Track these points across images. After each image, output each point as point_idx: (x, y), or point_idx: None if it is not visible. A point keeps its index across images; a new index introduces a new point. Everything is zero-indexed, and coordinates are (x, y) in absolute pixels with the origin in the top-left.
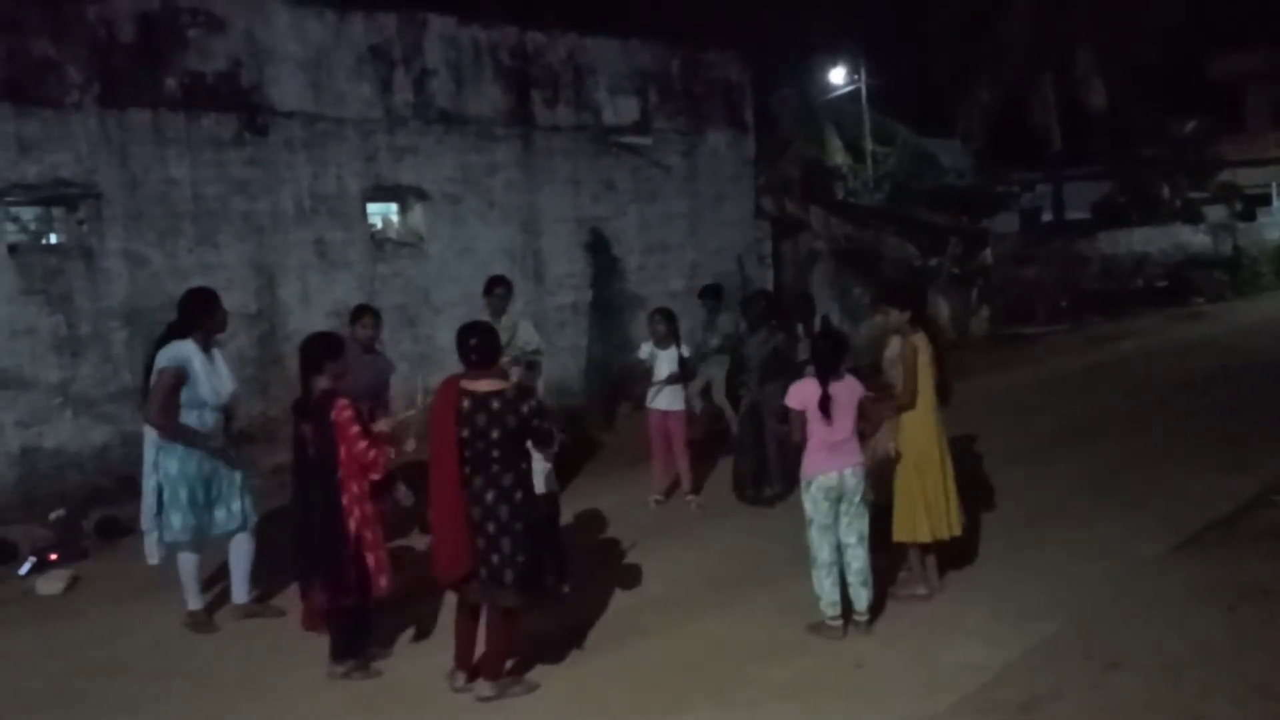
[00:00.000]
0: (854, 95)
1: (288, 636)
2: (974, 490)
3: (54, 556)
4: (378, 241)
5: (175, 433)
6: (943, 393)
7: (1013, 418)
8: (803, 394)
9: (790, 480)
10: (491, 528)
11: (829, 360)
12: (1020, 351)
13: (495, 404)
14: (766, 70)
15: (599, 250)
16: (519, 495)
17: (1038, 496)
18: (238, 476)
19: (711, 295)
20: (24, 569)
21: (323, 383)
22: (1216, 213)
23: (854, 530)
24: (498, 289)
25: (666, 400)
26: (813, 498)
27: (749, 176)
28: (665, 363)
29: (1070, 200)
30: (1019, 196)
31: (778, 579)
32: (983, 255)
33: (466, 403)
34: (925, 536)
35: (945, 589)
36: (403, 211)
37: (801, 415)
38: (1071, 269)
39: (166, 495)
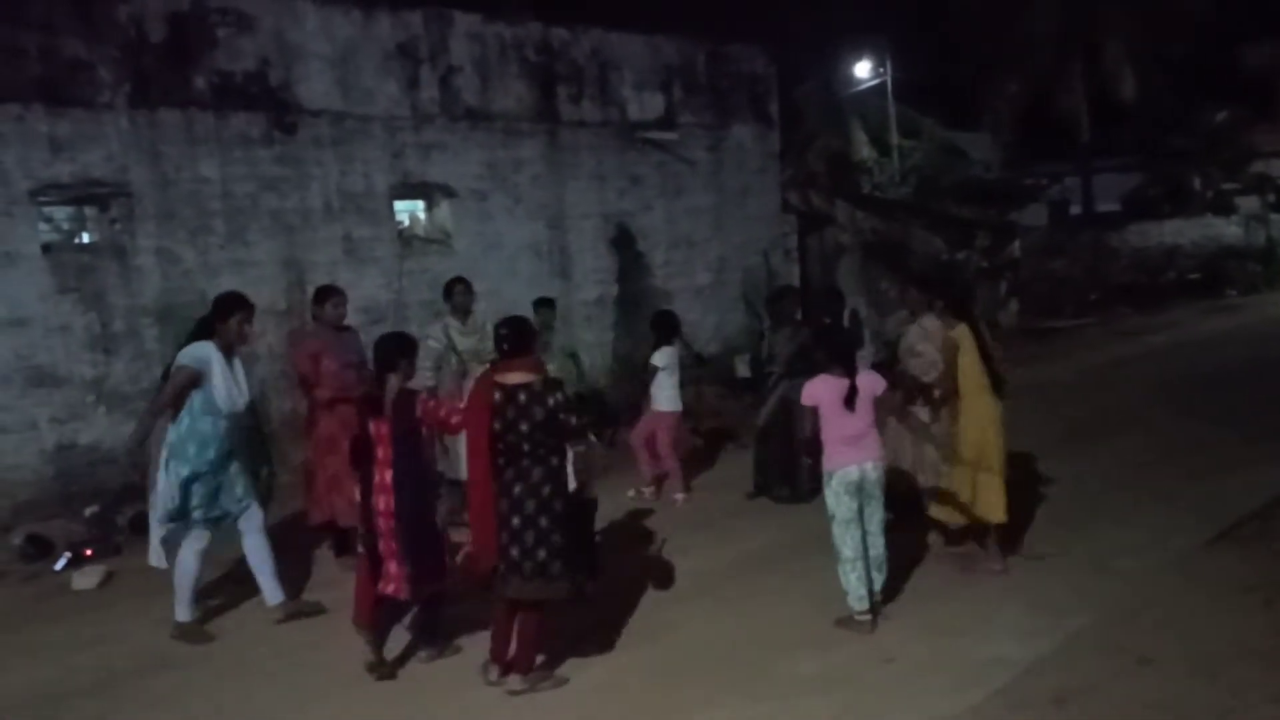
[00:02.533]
0: (879, 88)
1: (320, 630)
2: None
3: (89, 552)
4: (405, 238)
5: (145, 428)
6: (994, 383)
7: (1042, 412)
8: (818, 390)
9: (819, 479)
10: (516, 521)
11: (849, 353)
12: (1049, 345)
13: (523, 396)
14: (791, 64)
15: (625, 245)
16: (546, 490)
17: (1069, 491)
18: (240, 481)
19: (775, 300)
20: (59, 564)
21: (396, 381)
22: (1249, 204)
23: (875, 520)
24: (456, 288)
25: (656, 400)
26: (834, 492)
27: (774, 171)
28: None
29: (1100, 192)
30: (1047, 189)
31: (808, 573)
32: (1011, 248)
33: (498, 395)
34: (959, 519)
35: (976, 584)
36: (429, 208)
37: (815, 411)
38: (1101, 262)
39: (177, 495)
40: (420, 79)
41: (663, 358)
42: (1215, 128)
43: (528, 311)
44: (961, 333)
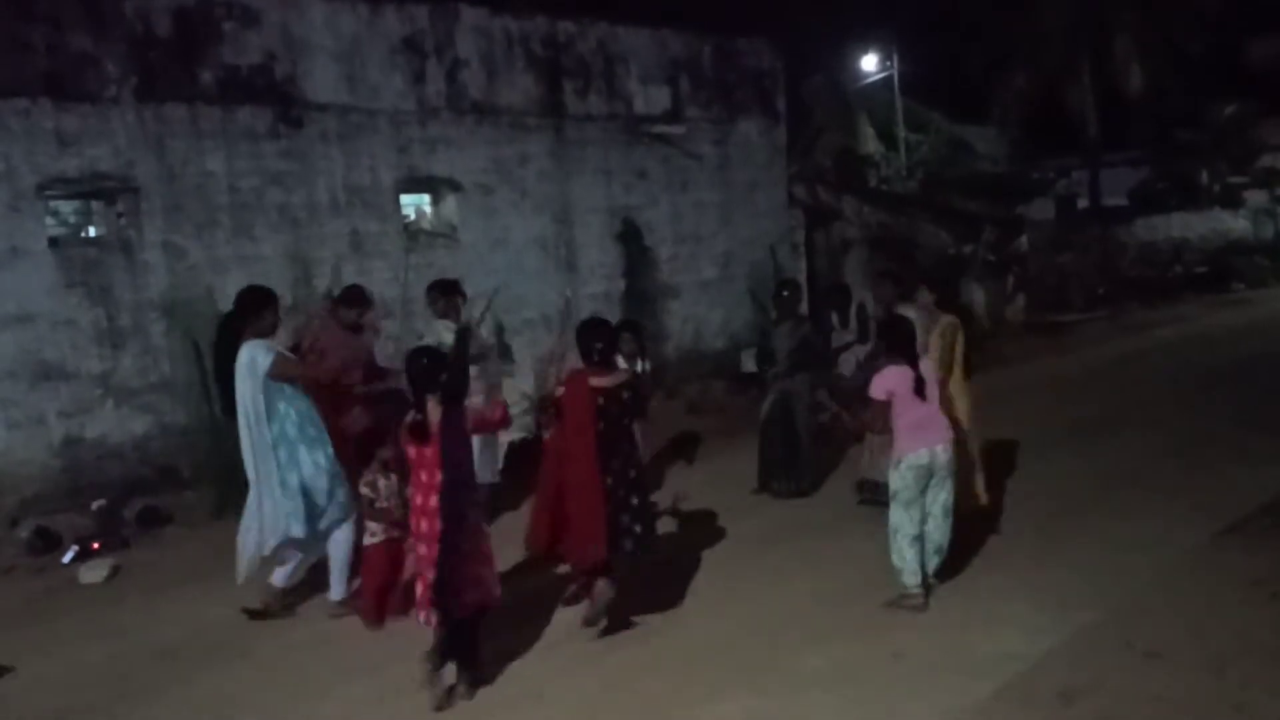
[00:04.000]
0: (887, 82)
1: (329, 625)
2: (1012, 479)
3: (96, 545)
4: (411, 233)
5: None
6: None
7: (1050, 406)
8: (890, 381)
9: (821, 473)
10: (626, 515)
11: (911, 344)
12: (1057, 339)
13: (625, 395)
14: (798, 58)
15: (631, 240)
16: (634, 475)
17: (1076, 485)
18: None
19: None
20: (67, 557)
21: (435, 401)
22: (1257, 198)
23: (939, 502)
24: (431, 293)
25: None
26: (902, 475)
27: (781, 165)
28: None
29: (1107, 187)
30: (1055, 183)
31: (812, 568)
32: (1018, 243)
33: (602, 399)
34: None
35: (984, 578)
36: (436, 202)
37: (884, 405)
38: (1109, 256)
39: (312, 490)
40: (426, 73)
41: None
42: (1224, 122)
43: (529, 307)
44: (953, 320)
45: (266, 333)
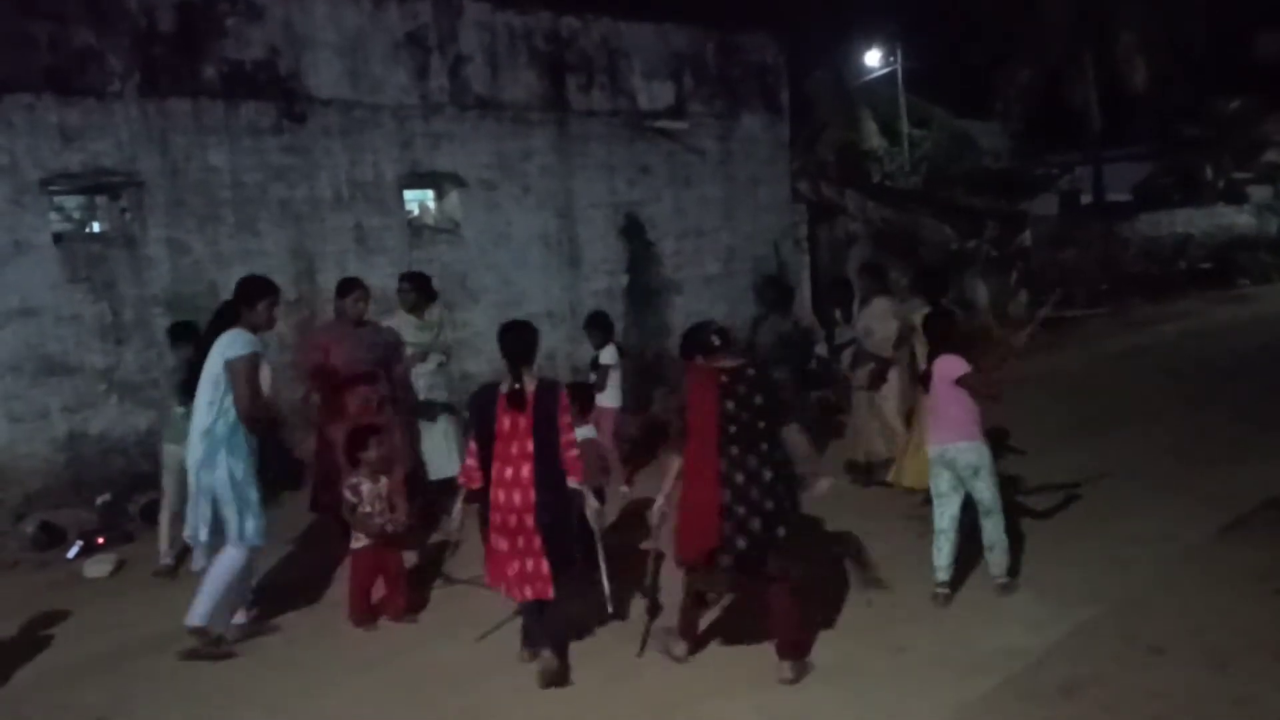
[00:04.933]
0: (890, 77)
1: (333, 620)
2: (1014, 474)
3: (100, 540)
4: (414, 228)
5: (266, 423)
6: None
7: (1053, 402)
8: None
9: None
10: (743, 508)
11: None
12: (1060, 335)
13: (751, 372)
14: (801, 53)
15: (634, 235)
16: (769, 470)
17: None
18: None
19: (760, 290)
20: (71, 552)
21: (530, 373)
22: (1261, 193)
23: (980, 500)
24: (403, 284)
25: (600, 397)
26: (931, 467)
27: (784, 160)
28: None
29: (1111, 182)
30: (1058, 178)
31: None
32: (1021, 238)
33: (724, 378)
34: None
35: (986, 573)
36: (439, 198)
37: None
38: (1112, 251)
39: (234, 498)
40: (430, 68)
41: (610, 355)
42: (1227, 117)
43: (532, 302)
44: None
45: (260, 326)
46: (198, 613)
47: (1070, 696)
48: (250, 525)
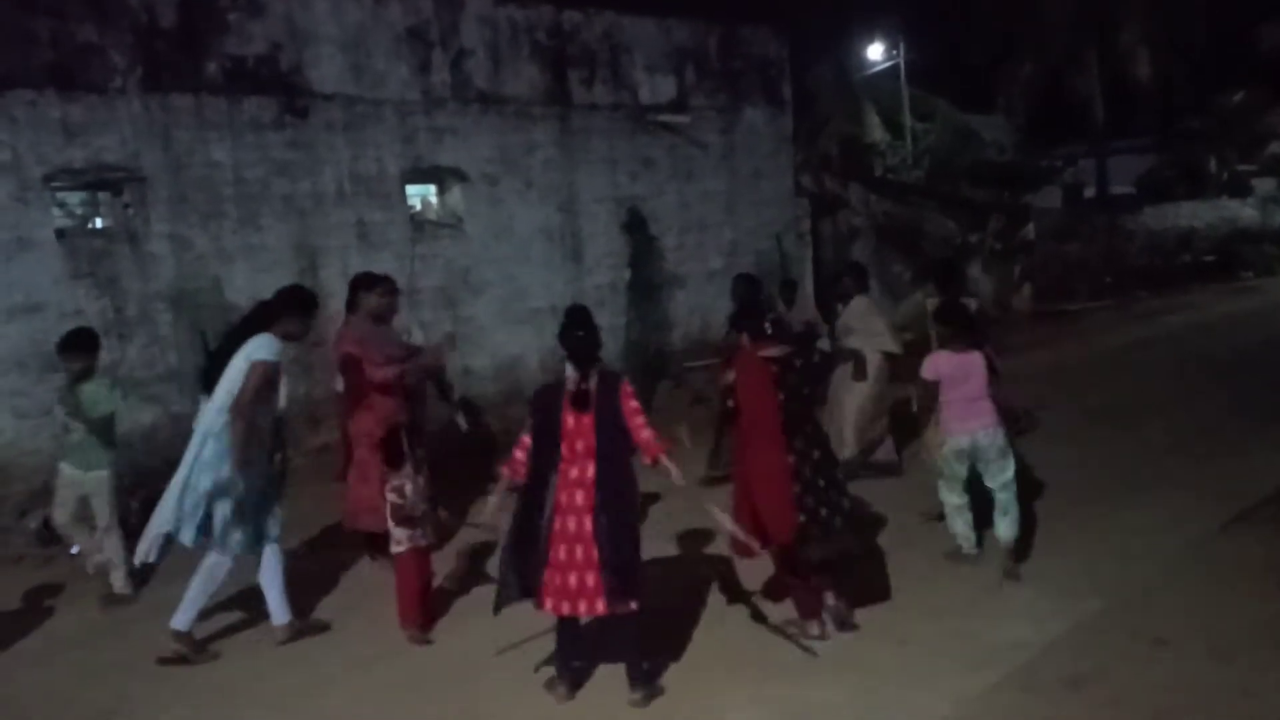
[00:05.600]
0: (893, 71)
1: (336, 618)
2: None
3: None
4: (417, 223)
5: (240, 446)
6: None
7: (1057, 395)
8: (939, 365)
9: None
10: (822, 482)
11: (966, 330)
12: (1064, 328)
13: (799, 361)
14: (804, 46)
15: (637, 229)
16: (818, 451)
17: (1084, 474)
18: (272, 494)
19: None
20: (75, 548)
21: (593, 372)
22: (1265, 185)
23: (999, 483)
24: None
25: None
26: (944, 458)
27: (787, 154)
28: None
29: (1114, 175)
30: (1062, 171)
31: None
32: (1025, 231)
33: (776, 368)
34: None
35: (990, 565)
36: (441, 192)
37: (933, 384)
38: (1116, 244)
39: (228, 504)
40: (431, 62)
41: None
42: (1231, 109)
43: (535, 297)
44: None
45: (294, 336)
46: (183, 618)
47: (1075, 690)
48: (237, 536)
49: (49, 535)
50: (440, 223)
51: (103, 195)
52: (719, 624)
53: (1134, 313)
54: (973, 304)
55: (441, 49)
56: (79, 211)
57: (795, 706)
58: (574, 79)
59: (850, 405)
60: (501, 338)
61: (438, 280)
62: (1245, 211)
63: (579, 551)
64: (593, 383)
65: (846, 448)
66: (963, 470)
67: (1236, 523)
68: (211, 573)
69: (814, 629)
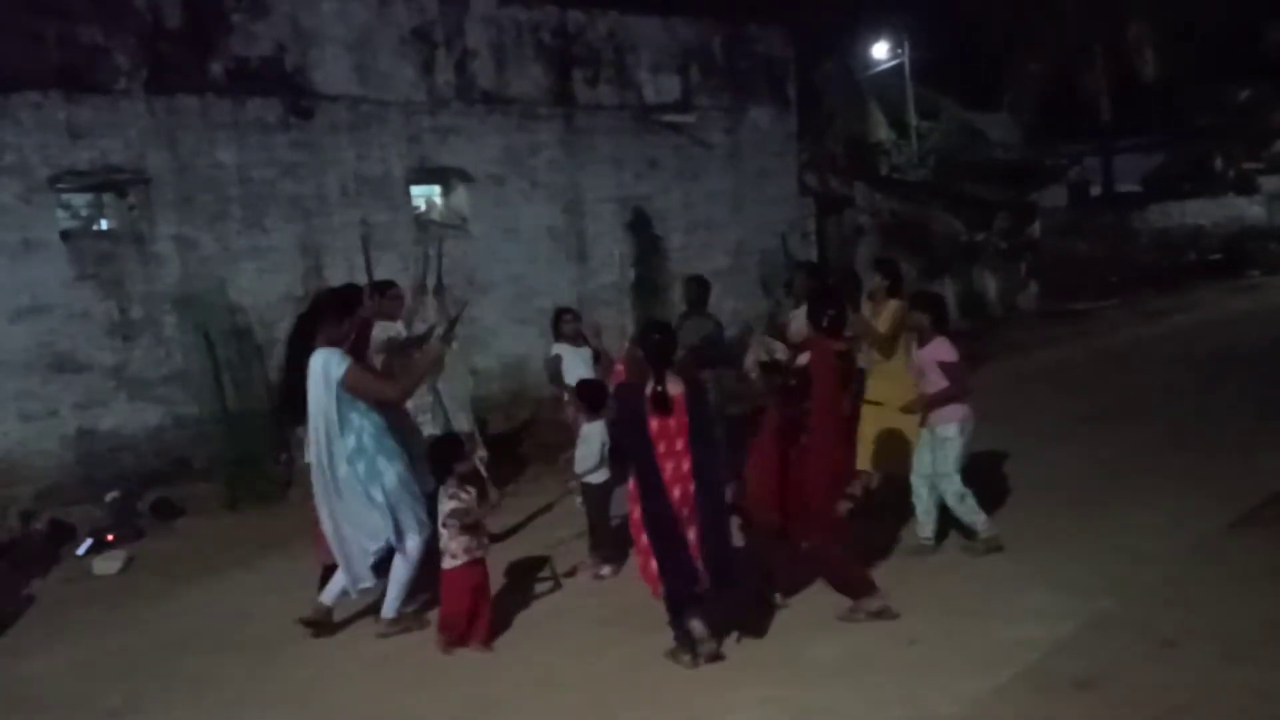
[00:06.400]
0: (898, 69)
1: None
2: (1025, 467)
3: (111, 537)
4: (422, 223)
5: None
6: None
7: (1064, 393)
8: (944, 351)
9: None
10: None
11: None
12: (1070, 327)
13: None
14: (809, 45)
15: (642, 229)
16: None
17: (1091, 472)
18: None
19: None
20: (82, 549)
21: (671, 374)
22: (1272, 183)
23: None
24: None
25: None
26: (963, 439)
27: (792, 153)
28: (581, 363)
29: (1121, 173)
30: (1068, 170)
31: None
32: (1031, 230)
33: (841, 361)
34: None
35: (998, 565)
36: (446, 193)
37: (958, 365)
38: (1122, 243)
39: (408, 494)
40: (436, 63)
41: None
42: (1238, 106)
43: (541, 296)
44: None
45: (340, 341)
46: (391, 606)
47: (1084, 689)
48: (423, 513)
49: (56, 536)
50: (445, 223)
51: (108, 197)
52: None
53: (1140, 311)
54: (991, 294)
55: (446, 49)
56: (84, 213)
57: (802, 707)
58: (579, 79)
59: None
60: (507, 338)
61: (444, 280)
62: (1252, 209)
63: (688, 535)
64: (674, 387)
65: None
66: (925, 460)
67: (1244, 522)
68: (413, 559)
69: (875, 603)
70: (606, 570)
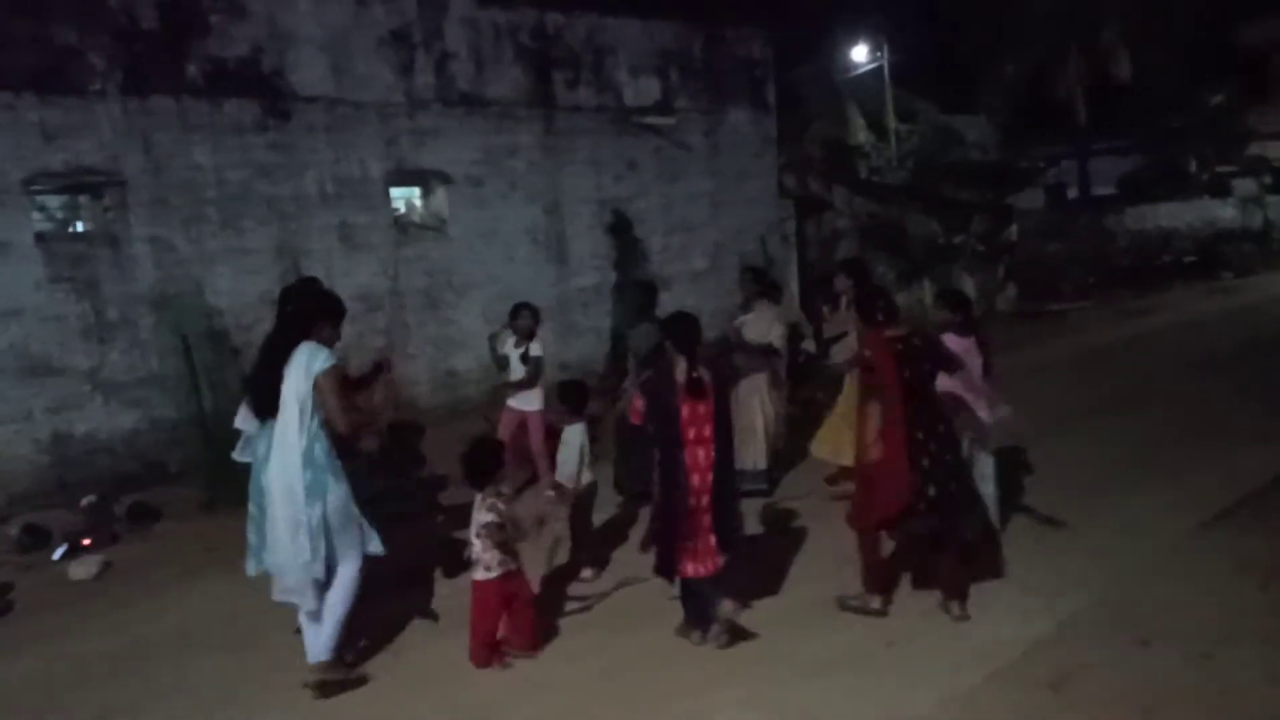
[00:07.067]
0: (876, 72)
1: None
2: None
3: (86, 541)
4: (401, 225)
5: (357, 435)
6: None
7: (1040, 394)
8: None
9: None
10: (928, 463)
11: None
12: (1047, 328)
13: (917, 341)
14: (788, 48)
15: (621, 231)
16: (943, 429)
17: (1068, 472)
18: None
19: (635, 296)
20: (57, 554)
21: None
22: (1245, 186)
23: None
24: None
25: (523, 400)
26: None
27: (771, 155)
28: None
29: (1096, 175)
30: (1044, 172)
31: (797, 558)
32: (1008, 232)
33: (900, 346)
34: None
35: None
36: (425, 195)
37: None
38: (1098, 244)
39: (348, 520)
40: (415, 64)
41: (539, 347)
42: (1212, 109)
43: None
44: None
45: (328, 344)
46: (325, 646)
47: (1059, 687)
48: (372, 537)
49: (30, 541)
50: (424, 225)
51: (83, 199)
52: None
53: (1116, 312)
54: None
55: (425, 51)
56: (59, 215)
57: (783, 707)
58: (558, 81)
59: (770, 415)
60: (486, 340)
61: (421, 283)
62: (1226, 212)
63: (705, 521)
64: (704, 372)
65: (761, 459)
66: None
67: (1218, 521)
68: (348, 587)
69: (875, 602)
70: (589, 573)
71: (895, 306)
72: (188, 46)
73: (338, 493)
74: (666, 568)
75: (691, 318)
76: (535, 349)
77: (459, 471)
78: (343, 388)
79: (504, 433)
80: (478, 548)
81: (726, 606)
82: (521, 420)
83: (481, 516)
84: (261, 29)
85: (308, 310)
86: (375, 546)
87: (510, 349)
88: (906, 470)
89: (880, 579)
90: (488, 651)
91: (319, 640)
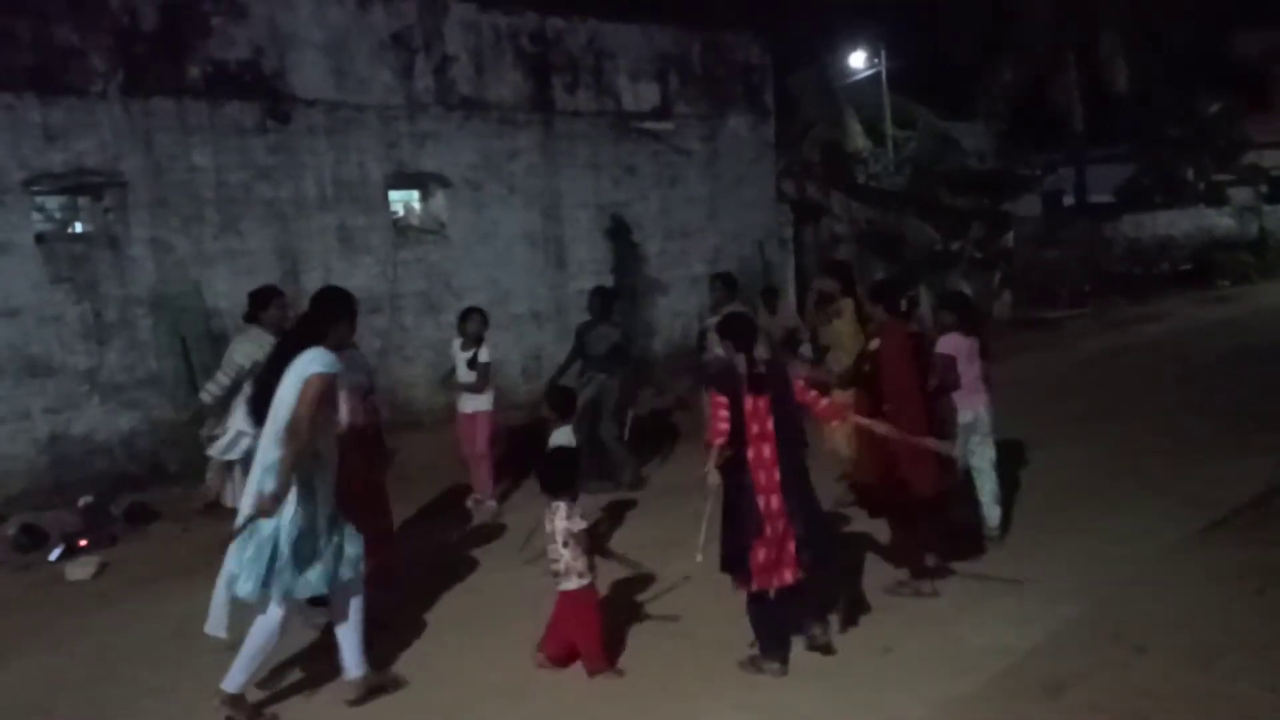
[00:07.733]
0: (874, 78)
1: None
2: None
3: (83, 542)
4: (400, 228)
5: (285, 478)
6: None
7: (1036, 401)
8: (950, 346)
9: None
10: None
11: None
12: (1043, 335)
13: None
14: (786, 54)
15: (620, 235)
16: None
17: (1063, 480)
18: (345, 530)
19: (591, 299)
20: (54, 554)
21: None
22: (1242, 195)
23: (986, 458)
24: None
25: (472, 402)
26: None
27: (769, 160)
28: (463, 362)
29: (1093, 183)
30: (1041, 179)
31: None
32: (1005, 239)
33: (914, 341)
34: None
35: (970, 572)
36: (424, 198)
37: (953, 360)
38: (1095, 252)
39: (287, 543)
40: (415, 68)
41: (488, 353)
42: (1209, 118)
43: (517, 302)
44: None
45: (342, 347)
46: (235, 679)
47: (1055, 694)
48: (298, 579)
49: (28, 541)
50: (423, 228)
51: (83, 199)
52: (701, 628)
53: (1113, 320)
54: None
55: (425, 54)
56: (59, 216)
57: (776, 714)
58: (557, 85)
59: None
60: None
61: (420, 285)
62: (1222, 221)
63: (780, 526)
64: (763, 367)
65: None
66: (963, 446)
67: (1214, 528)
68: (268, 627)
69: (928, 587)
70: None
71: (918, 300)
72: (188, 48)
73: (297, 518)
74: (734, 564)
75: (746, 317)
76: (484, 355)
77: (535, 480)
78: (321, 399)
79: (462, 436)
80: (567, 556)
81: (816, 630)
82: (472, 421)
83: (573, 525)
84: (262, 31)
85: (321, 313)
86: (294, 592)
87: (458, 353)
88: (937, 459)
89: (921, 561)
90: (562, 656)
91: (345, 656)
